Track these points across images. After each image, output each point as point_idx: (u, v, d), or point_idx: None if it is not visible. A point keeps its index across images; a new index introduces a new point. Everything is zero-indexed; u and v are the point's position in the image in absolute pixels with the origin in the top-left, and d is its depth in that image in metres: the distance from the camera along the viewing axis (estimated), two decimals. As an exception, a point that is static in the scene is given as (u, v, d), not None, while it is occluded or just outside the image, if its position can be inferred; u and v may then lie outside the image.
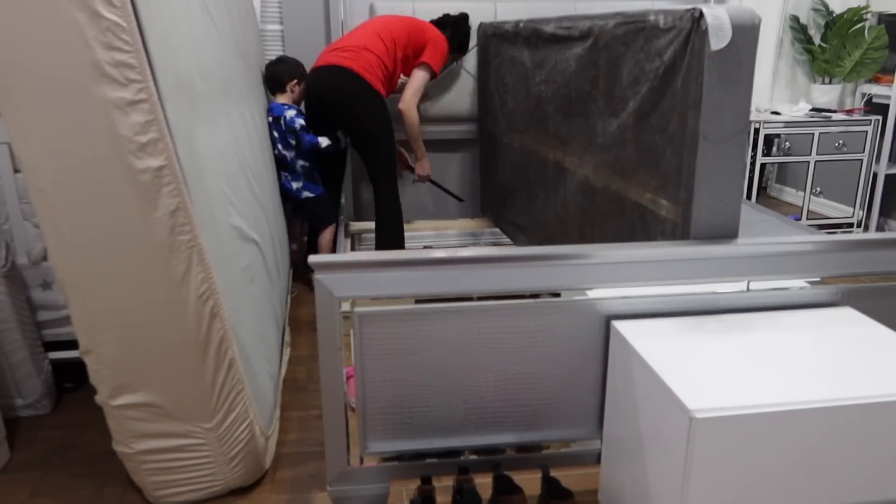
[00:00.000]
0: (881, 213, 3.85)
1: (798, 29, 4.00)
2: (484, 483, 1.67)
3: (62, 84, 1.35)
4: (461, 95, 3.35)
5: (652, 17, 1.60)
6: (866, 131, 3.68)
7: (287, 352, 2.54)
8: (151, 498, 1.74)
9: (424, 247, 3.47)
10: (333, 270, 1.38)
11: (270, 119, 2.96)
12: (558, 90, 2.24)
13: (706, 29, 1.39)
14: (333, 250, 3.09)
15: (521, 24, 2.56)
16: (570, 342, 1.49)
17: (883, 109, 3.75)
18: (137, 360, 1.57)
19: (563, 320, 1.47)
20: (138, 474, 1.71)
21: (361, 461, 1.56)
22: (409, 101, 2.95)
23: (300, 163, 3.01)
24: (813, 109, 3.87)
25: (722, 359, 1.29)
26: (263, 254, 2.22)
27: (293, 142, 2.96)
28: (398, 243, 3.00)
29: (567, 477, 1.76)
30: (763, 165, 3.66)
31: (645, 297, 1.48)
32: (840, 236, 1.55)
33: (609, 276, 1.46)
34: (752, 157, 3.61)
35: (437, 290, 1.42)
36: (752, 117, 3.60)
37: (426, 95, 3.15)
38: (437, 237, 3.55)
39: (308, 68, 3.00)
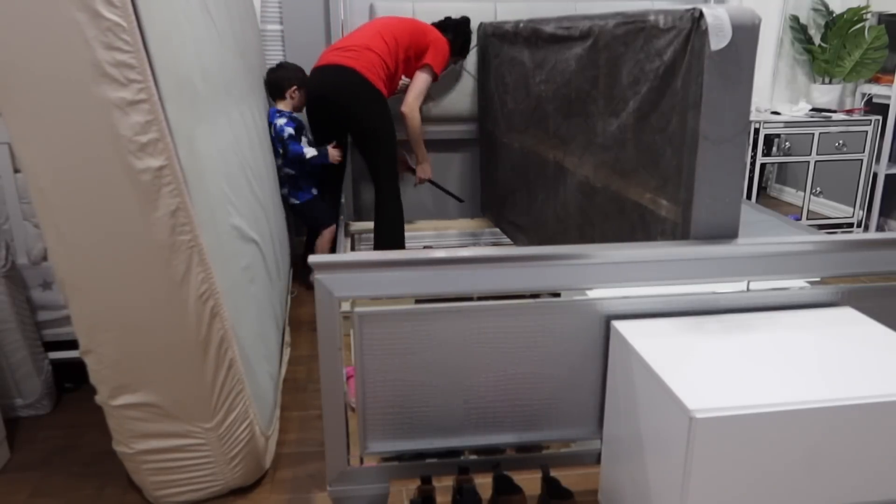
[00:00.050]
0: (881, 213, 3.85)
1: (798, 29, 4.00)
2: (484, 483, 1.67)
3: (62, 84, 1.35)
4: (461, 95, 3.34)
5: (652, 17, 1.60)
6: (866, 131, 3.68)
7: (287, 352, 2.54)
8: (151, 498, 1.74)
9: (424, 247, 3.47)
10: (333, 270, 1.38)
11: None
12: (558, 90, 2.24)
13: (706, 29, 1.39)
14: (332, 251, 3.09)
15: (521, 25, 2.55)
16: (570, 342, 1.49)
17: (883, 109, 3.75)
18: (137, 360, 1.57)
19: (563, 320, 1.47)
20: (138, 474, 1.71)
21: (361, 461, 1.56)
22: (411, 104, 2.95)
23: (286, 170, 3.02)
24: (813, 109, 3.87)
25: (722, 359, 1.29)
26: (263, 254, 2.22)
27: (281, 150, 2.96)
28: (399, 243, 3.00)
29: (567, 477, 1.76)
30: (763, 165, 3.66)
31: (645, 297, 1.48)
32: (840, 236, 1.55)
33: (609, 276, 1.46)
34: (752, 157, 3.61)
35: (437, 290, 1.42)
36: (752, 117, 3.60)
37: (427, 96, 3.15)
38: (437, 237, 3.55)
39: (309, 70, 3.00)
